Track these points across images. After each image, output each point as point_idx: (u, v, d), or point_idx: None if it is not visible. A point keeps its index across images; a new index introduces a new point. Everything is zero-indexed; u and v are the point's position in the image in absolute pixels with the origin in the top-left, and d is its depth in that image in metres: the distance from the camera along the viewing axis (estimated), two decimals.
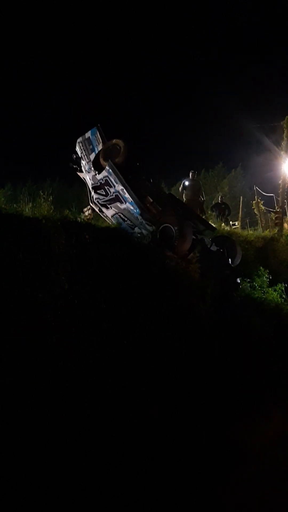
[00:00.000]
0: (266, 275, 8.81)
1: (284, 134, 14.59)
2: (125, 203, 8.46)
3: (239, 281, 8.25)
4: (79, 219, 8.16)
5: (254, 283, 8.52)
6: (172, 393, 4.02)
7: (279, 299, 8.26)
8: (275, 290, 8.46)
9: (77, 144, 9.68)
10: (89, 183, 9.28)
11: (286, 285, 8.86)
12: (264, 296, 8.15)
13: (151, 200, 8.73)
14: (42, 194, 8.08)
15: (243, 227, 16.96)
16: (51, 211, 7.42)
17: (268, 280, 8.76)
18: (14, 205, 8.04)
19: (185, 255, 7.41)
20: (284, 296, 8.54)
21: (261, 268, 8.90)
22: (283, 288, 8.67)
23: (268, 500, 3.27)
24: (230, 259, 8.55)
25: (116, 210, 8.62)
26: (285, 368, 5.65)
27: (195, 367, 4.48)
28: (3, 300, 4.38)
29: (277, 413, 4.21)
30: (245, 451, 3.59)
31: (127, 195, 8.43)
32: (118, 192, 8.56)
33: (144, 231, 8.19)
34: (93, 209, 9.36)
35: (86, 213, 9.62)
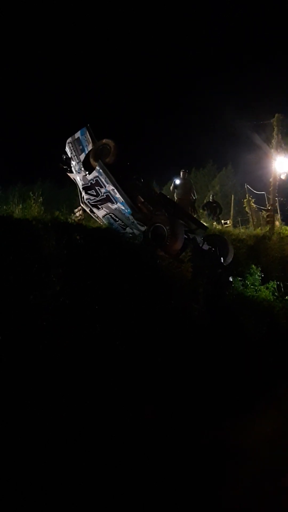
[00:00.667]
0: (258, 273, 8.83)
1: (274, 132, 14.63)
2: (116, 203, 8.43)
3: (231, 280, 8.26)
4: (70, 220, 8.13)
5: (247, 281, 8.53)
6: (165, 394, 4.00)
7: (271, 297, 8.27)
8: (267, 288, 8.48)
9: (66, 144, 9.62)
10: (80, 183, 9.23)
11: (278, 282, 8.88)
12: (256, 294, 8.16)
13: (142, 200, 8.70)
14: (32, 195, 8.04)
15: (234, 225, 17.01)
16: (42, 212, 7.39)
17: (260, 278, 8.78)
18: (4, 206, 8.00)
19: (177, 255, 7.40)
20: (276, 293, 8.56)
21: (253, 266, 8.92)
22: (275, 286, 8.69)
23: (266, 497, 3.26)
24: (222, 258, 8.56)
25: (107, 211, 8.58)
26: (279, 365, 5.67)
27: (188, 367, 4.46)
28: None
29: (272, 411, 4.21)
30: (240, 449, 3.58)
31: (118, 195, 8.40)
32: (109, 192, 8.53)
33: (135, 231, 8.17)
34: (84, 210, 9.33)
35: (77, 214, 9.58)
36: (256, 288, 8.43)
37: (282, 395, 4.68)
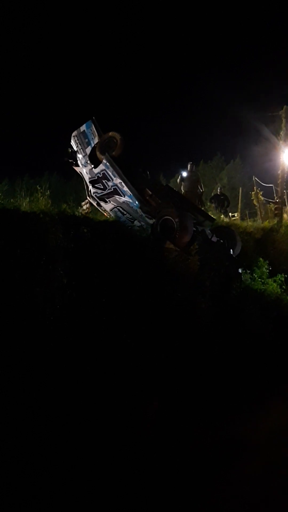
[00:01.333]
0: (266, 266, 8.77)
1: (283, 124, 14.48)
2: (124, 196, 8.39)
3: (240, 271, 8.23)
4: (77, 213, 8.12)
5: (254, 274, 8.49)
6: (170, 387, 4.00)
7: (279, 290, 8.23)
8: (275, 281, 8.43)
9: (72, 138, 9.57)
10: (86, 177, 9.20)
11: (286, 275, 8.82)
12: (264, 287, 8.12)
13: (150, 193, 8.66)
14: (39, 188, 8.04)
15: (242, 218, 16.91)
16: (49, 205, 7.39)
17: (268, 271, 8.73)
18: (11, 199, 8.01)
19: (186, 247, 7.37)
20: (284, 286, 8.51)
21: (261, 259, 8.86)
22: (283, 279, 8.63)
23: (266, 492, 3.25)
24: (230, 250, 8.53)
25: (115, 204, 8.54)
26: (286, 360, 5.63)
27: (194, 361, 4.45)
28: (1, 296, 4.36)
29: (278, 406, 4.19)
30: (245, 444, 3.57)
31: (125, 188, 8.36)
32: (117, 185, 8.49)
33: (144, 224, 8.13)
34: (91, 203, 9.31)
35: (84, 207, 9.57)
36: (264, 281, 8.39)
37: None
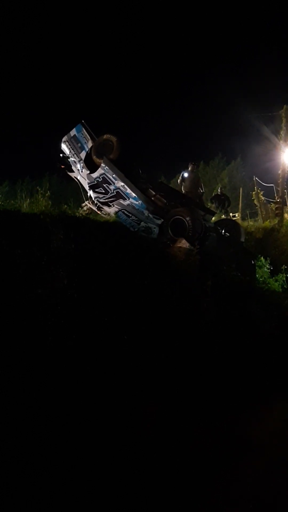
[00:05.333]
0: (267, 266, 8.77)
1: (283, 123, 14.51)
2: (128, 199, 8.30)
3: (253, 263, 8.26)
4: (77, 214, 8.13)
5: (256, 274, 8.49)
6: (170, 388, 3.99)
7: (280, 289, 8.22)
8: (276, 281, 8.42)
9: (62, 143, 9.42)
10: (85, 182, 9.07)
11: (287, 275, 8.82)
12: (265, 287, 8.11)
13: (154, 193, 8.63)
14: (40, 190, 8.06)
15: (243, 218, 16.93)
16: (49, 206, 7.41)
17: (269, 270, 8.72)
18: (12, 201, 8.04)
19: (199, 244, 7.39)
20: (285, 286, 8.50)
21: (262, 259, 8.86)
22: (284, 279, 8.62)
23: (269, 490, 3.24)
24: (236, 240, 8.66)
25: (119, 207, 8.44)
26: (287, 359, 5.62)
27: (196, 361, 4.45)
28: (2, 297, 4.36)
29: (281, 405, 4.18)
30: (248, 444, 3.56)
31: (128, 191, 8.27)
32: (119, 188, 8.39)
33: (151, 225, 8.07)
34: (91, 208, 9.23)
35: (85, 208, 9.55)
36: (265, 280, 8.38)
37: None
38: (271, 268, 8.83)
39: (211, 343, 4.75)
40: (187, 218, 7.61)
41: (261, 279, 8.35)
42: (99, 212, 9.00)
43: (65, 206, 7.59)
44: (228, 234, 8.88)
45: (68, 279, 4.90)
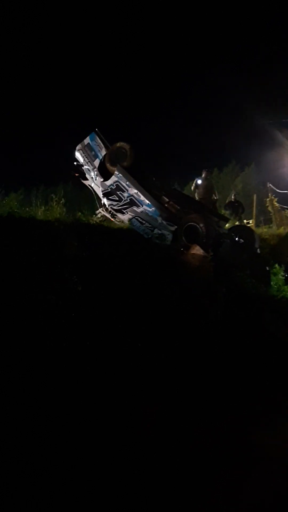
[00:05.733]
0: (282, 273, 8.68)
1: None
2: (142, 206, 8.36)
3: (268, 269, 8.21)
4: (91, 221, 8.20)
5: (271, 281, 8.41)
6: (175, 395, 3.98)
7: None
8: None
9: (76, 151, 9.55)
10: (99, 190, 9.18)
11: None
12: (280, 294, 8.03)
13: (167, 200, 8.68)
14: (54, 197, 8.17)
15: (257, 225, 16.81)
16: (64, 213, 7.49)
17: (284, 278, 8.63)
18: (27, 208, 8.14)
19: (213, 251, 7.39)
20: None
21: (277, 265, 8.78)
22: None
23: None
24: (250, 246, 8.60)
25: (133, 214, 8.52)
26: None
27: (203, 368, 4.42)
28: (18, 303, 4.41)
29: (282, 406, 4.12)
30: (246, 444, 3.51)
31: (142, 198, 8.34)
32: (133, 196, 8.47)
33: (164, 232, 8.10)
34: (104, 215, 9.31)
35: (99, 215, 9.62)
36: (280, 288, 8.30)
37: None
38: (286, 275, 8.75)
39: (223, 351, 4.73)
40: (201, 225, 7.62)
41: (275, 286, 8.27)
42: (112, 219, 9.07)
43: (79, 213, 7.66)
44: (242, 241, 8.87)
45: (82, 286, 4.94)
